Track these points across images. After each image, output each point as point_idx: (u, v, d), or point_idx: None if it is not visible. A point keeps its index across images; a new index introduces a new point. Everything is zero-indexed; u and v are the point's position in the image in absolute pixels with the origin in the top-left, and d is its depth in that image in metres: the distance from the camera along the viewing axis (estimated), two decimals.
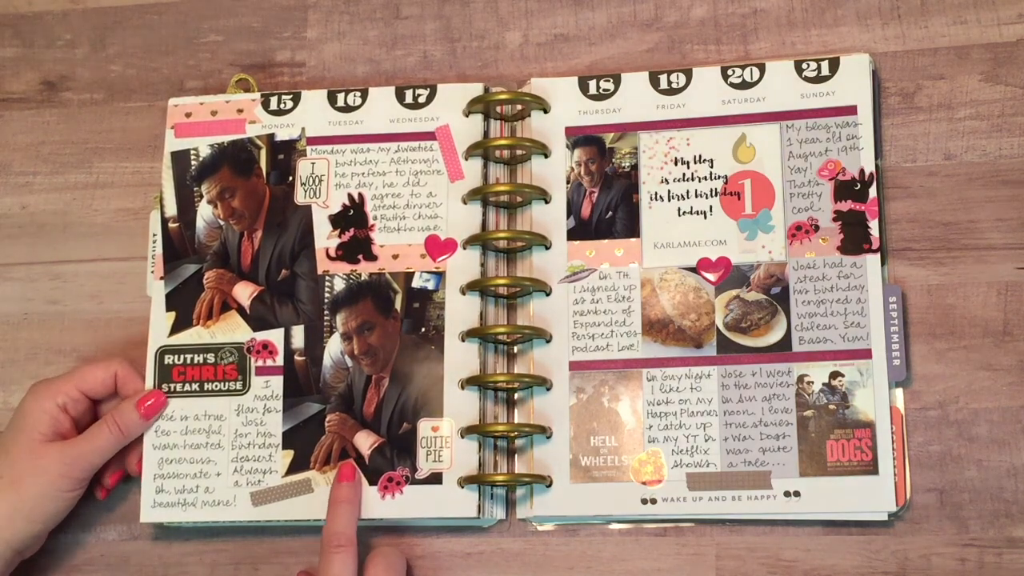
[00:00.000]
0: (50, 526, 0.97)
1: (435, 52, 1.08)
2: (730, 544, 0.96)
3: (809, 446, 0.95)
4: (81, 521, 1.03)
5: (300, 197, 1.04)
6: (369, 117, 1.05)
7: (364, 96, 1.05)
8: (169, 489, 1.00)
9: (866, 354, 0.95)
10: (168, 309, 1.03)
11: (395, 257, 1.01)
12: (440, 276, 1.01)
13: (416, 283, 1.01)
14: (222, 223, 1.05)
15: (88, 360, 1.05)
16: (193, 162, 1.06)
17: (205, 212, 1.05)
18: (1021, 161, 0.97)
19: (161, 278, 1.04)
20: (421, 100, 1.04)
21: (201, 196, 1.05)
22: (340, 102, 1.06)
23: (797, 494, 0.94)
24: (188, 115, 1.07)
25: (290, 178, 1.05)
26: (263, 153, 1.05)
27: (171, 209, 1.05)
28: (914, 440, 0.95)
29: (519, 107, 1.04)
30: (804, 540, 0.95)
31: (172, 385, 1.02)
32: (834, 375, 0.95)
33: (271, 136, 1.05)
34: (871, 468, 0.93)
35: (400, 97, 1.05)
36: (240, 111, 1.06)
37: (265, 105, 1.06)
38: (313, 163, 1.04)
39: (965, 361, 0.95)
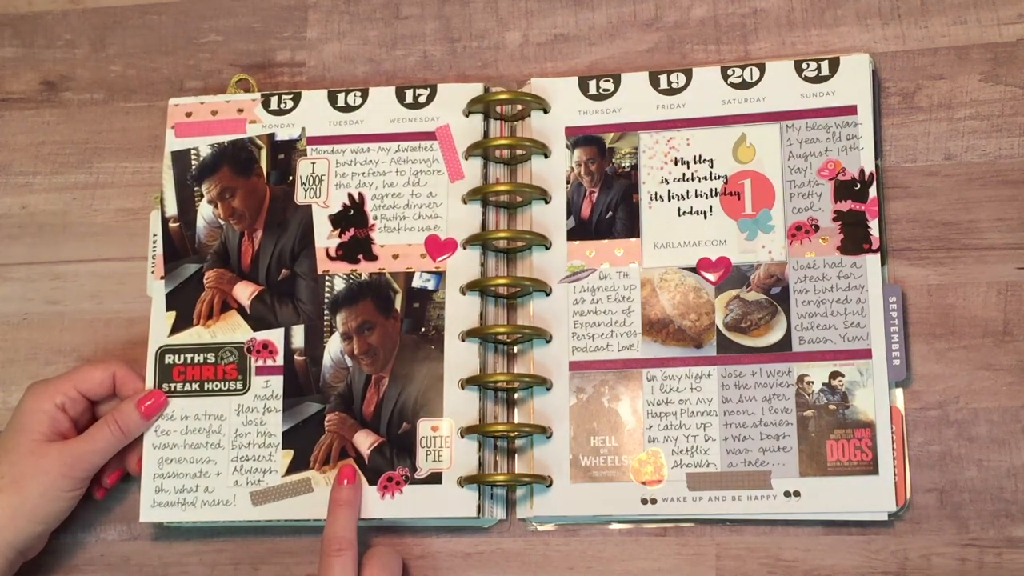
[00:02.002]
0: (52, 526, 0.97)
1: (435, 52, 1.08)
2: (730, 544, 0.96)
3: (809, 446, 0.95)
4: (81, 521, 1.03)
5: (300, 197, 1.04)
6: (369, 117, 1.05)
7: (364, 96, 1.05)
8: (169, 489, 1.00)
9: (866, 354, 0.95)
10: (168, 309, 1.03)
11: (395, 257, 1.01)
12: (440, 276, 1.01)
13: (416, 283, 1.01)
14: (222, 223, 1.05)
15: (87, 360, 1.05)
16: (193, 162, 1.06)
17: (205, 212, 1.05)
18: (1021, 161, 0.97)
19: (161, 278, 1.04)
20: (421, 100, 1.04)
21: (201, 196, 1.05)
22: (340, 102, 1.06)
23: (797, 494, 0.94)
24: (188, 115, 1.07)
25: (290, 178, 1.04)
26: (263, 153, 1.05)
27: (171, 209, 1.05)
28: (914, 440, 0.95)
29: (519, 107, 1.04)
30: (804, 540, 0.95)
31: (172, 385, 1.02)
32: (834, 375, 0.95)
33: (271, 136, 1.05)
34: (871, 468, 0.93)
35: (400, 97, 1.05)
36: (240, 111, 1.06)
37: (265, 105, 1.06)
38: (313, 163, 1.04)
39: (965, 361, 0.95)
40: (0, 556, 0.94)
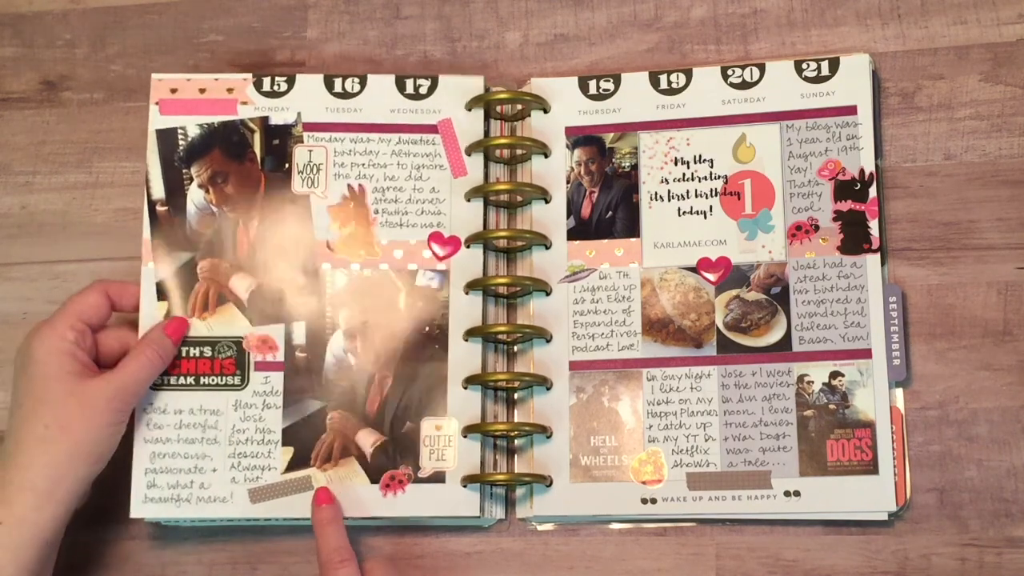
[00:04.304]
0: (101, 468, 0.95)
1: (435, 52, 1.08)
2: (730, 544, 0.96)
3: (809, 446, 0.95)
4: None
5: (297, 186, 1.03)
6: (368, 106, 1.04)
7: (363, 83, 1.04)
8: (161, 484, 0.99)
9: (866, 354, 0.95)
10: (159, 299, 1.01)
11: (397, 253, 1.01)
12: (444, 274, 1.01)
13: (420, 280, 1.00)
14: (215, 209, 1.03)
15: (71, 295, 1.02)
16: (181, 142, 1.04)
17: (196, 197, 1.03)
18: (1021, 161, 0.98)
19: (150, 265, 1.02)
20: (422, 91, 1.04)
21: (191, 179, 1.04)
22: (338, 87, 1.04)
23: (797, 494, 0.94)
24: (174, 91, 1.05)
25: (286, 165, 1.03)
26: (257, 137, 1.04)
27: (158, 191, 1.03)
28: (914, 440, 0.95)
29: (519, 107, 1.04)
30: (804, 540, 0.95)
31: (166, 378, 1.00)
32: (834, 375, 0.95)
33: (265, 119, 1.04)
34: (871, 468, 0.93)
35: (401, 86, 1.04)
36: (230, 90, 1.05)
37: (257, 86, 1.04)
38: (311, 151, 1.03)
39: (965, 361, 0.95)
40: (62, 508, 0.93)
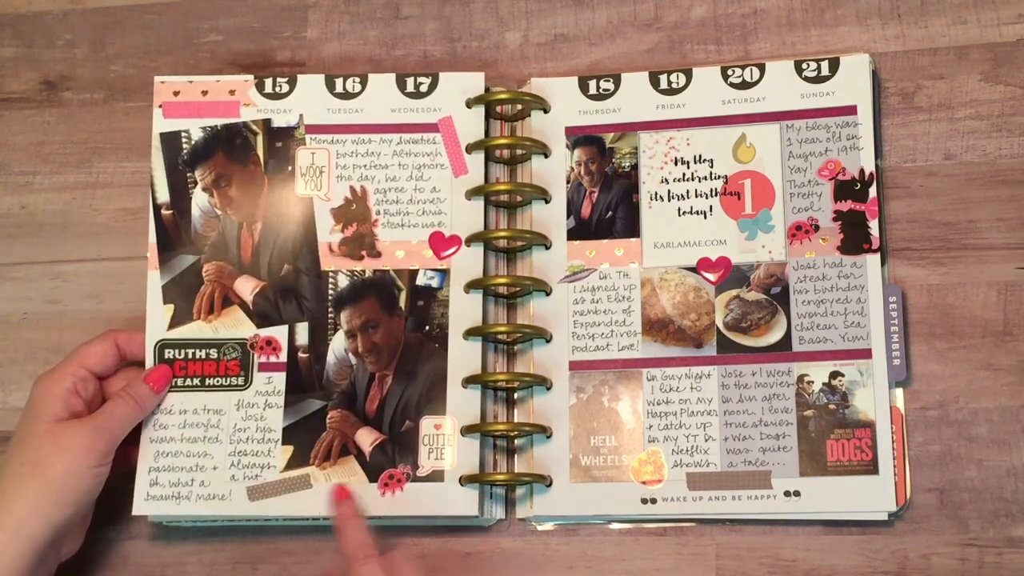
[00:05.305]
0: (82, 510, 0.95)
1: (435, 52, 1.08)
2: (730, 544, 0.96)
3: (809, 446, 0.95)
4: None
5: (300, 189, 1.03)
6: (369, 105, 1.04)
7: (364, 83, 1.04)
8: (164, 483, 0.99)
9: (866, 354, 0.95)
10: (165, 302, 1.02)
11: (399, 253, 1.01)
12: (444, 273, 1.01)
13: (421, 280, 1.01)
14: (219, 212, 1.03)
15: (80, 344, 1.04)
16: (184, 145, 1.04)
17: (200, 200, 1.03)
18: (1021, 161, 0.98)
19: (156, 268, 1.02)
20: (423, 89, 1.04)
21: (195, 182, 1.04)
22: (339, 88, 1.04)
23: (797, 494, 0.94)
24: (176, 93, 1.05)
25: (289, 168, 1.03)
26: (259, 140, 1.04)
27: (163, 195, 1.04)
28: (914, 440, 0.95)
29: (519, 107, 1.04)
30: (804, 540, 0.95)
31: (174, 380, 1.00)
32: (834, 375, 0.95)
33: (267, 122, 1.04)
34: (871, 468, 0.93)
35: (401, 85, 1.04)
36: (232, 92, 1.05)
37: (259, 88, 1.05)
38: (313, 153, 1.03)
39: (965, 361, 0.95)
40: (28, 548, 0.92)
